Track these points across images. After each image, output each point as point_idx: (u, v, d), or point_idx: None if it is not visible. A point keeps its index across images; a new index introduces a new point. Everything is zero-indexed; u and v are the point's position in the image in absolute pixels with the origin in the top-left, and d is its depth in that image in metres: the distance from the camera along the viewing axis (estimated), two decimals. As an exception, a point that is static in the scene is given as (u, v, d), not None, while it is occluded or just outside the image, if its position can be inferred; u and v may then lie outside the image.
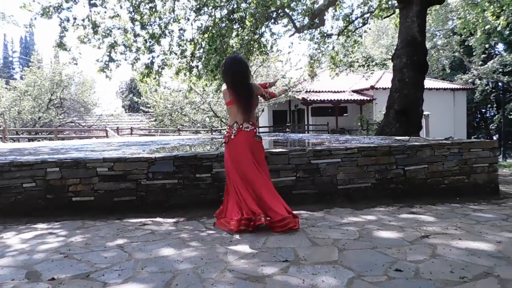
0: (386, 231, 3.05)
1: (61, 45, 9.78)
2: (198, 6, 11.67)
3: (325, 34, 14.49)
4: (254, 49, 13.46)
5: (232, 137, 3.31)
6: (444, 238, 2.83)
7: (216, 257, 2.47)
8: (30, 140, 16.89)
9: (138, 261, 2.40)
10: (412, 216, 3.60)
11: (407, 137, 6.50)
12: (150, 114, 26.60)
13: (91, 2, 9.69)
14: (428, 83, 18.87)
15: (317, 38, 14.43)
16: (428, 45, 23.47)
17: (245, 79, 3.37)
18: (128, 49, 11.24)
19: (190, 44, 12.24)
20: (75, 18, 9.81)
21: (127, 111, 34.87)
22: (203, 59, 12.82)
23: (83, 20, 9.96)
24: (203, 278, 2.10)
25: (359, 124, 17.75)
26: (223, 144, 3.53)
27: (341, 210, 3.91)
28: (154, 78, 12.18)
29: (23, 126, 20.27)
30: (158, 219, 3.69)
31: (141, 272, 2.18)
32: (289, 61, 21.64)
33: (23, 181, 4.01)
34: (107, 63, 10.96)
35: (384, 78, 20.44)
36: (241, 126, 3.30)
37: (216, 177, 4.24)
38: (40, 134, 18.58)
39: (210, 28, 12.17)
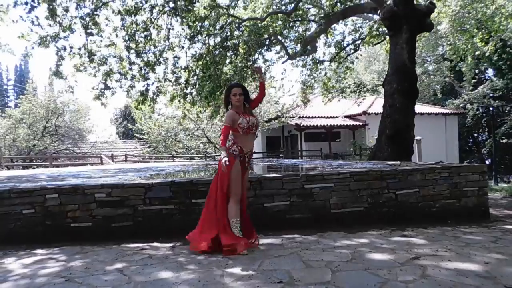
0: (378, 253, 3.18)
1: (57, 74, 10.03)
2: (192, 34, 12.05)
3: (317, 61, 14.95)
4: (248, 76, 13.82)
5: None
6: (434, 260, 2.96)
7: (213, 279, 2.57)
8: (25, 167, 16.87)
9: (138, 283, 2.50)
10: (403, 239, 3.73)
11: (398, 162, 6.70)
12: (144, 141, 26.72)
13: (88, 31, 10.01)
14: (420, 108, 19.34)
15: (309, 65, 14.87)
16: (419, 70, 24.20)
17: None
18: (123, 76, 11.51)
19: (185, 71, 12.57)
20: (71, 47, 10.10)
21: (121, 138, 34.98)
22: (197, 86, 13.13)
23: (80, 48, 10.25)
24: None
25: (351, 149, 18.00)
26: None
27: (335, 234, 4.03)
28: (149, 105, 12.42)
29: (18, 153, 20.27)
30: (155, 244, 3.78)
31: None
32: (282, 87, 22.13)
33: (23, 207, 4.09)
34: (102, 90, 11.19)
35: (376, 104, 20.90)
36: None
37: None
38: (35, 161, 18.57)
39: (204, 55, 12.53)
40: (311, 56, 14.61)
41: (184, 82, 12.88)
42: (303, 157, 19.28)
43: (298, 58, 14.33)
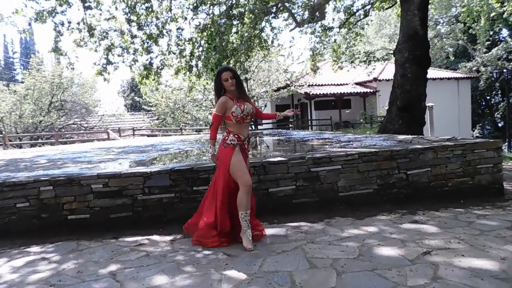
0: (387, 246, 2.97)
1: (56, 50, 9.72)
2: (195, 4, 11.53)
3: (326, 27, 14.30)
4: (255, 45, 13.34)
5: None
6: (446, 255, 2.74)
7: (210, 286, 2.40)
8: (32, 145, 16.92)
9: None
10: (414, 226, 3.51)
11: (410, 137, 6.38)
12: (153, 113, 26.54)
13: (86, 5, 9.60)
14: (432, 73, 18.57)
15: (318, 32, 14.28)
16: (431, 33, 23.15)
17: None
18: (125, 51, 11.16)
19: (189, 43, 12.13)
20: (69, 22, 9.74)
21: (129, 110, 34.85)
22: (203, 58, 12.72)
23: (78, 23, 9.88)
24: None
25: (361, 120, 17.55)
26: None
27: (342, 221, 3.82)
28: (153, 79, 12.11)
29: (25, 130, 20.30)
30: (154, 237, 3.62)
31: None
32: (291, 55, 21.47)
33: (17, 201, 3.95)
34: (104, 66, 10.89)
35: (387, 70, 20.21)
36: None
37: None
38: (41, 139, 18.57)
39: (209, 26, 12.05)
40: (320, 23, 13.97)
41: (189, 55, 12.48)
42: (312, 128, 18.94)
43: (306, 25, 13.74)
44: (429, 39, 9.64)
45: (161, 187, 4.10)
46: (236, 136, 3.28)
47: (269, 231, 3.57)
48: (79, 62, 22.01)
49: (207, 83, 15.70)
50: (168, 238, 3.57)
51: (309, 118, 20.96)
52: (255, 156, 5.47)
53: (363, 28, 14.91)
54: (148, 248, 3.27)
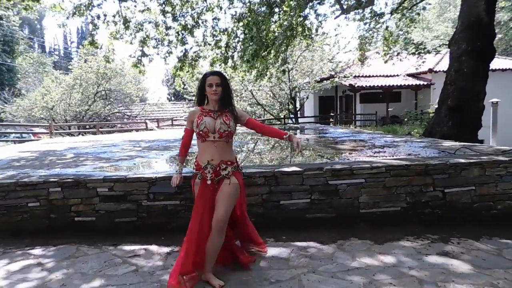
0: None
1: (93, 43, 10.03)
2: (232, -8, 11.37)
3: (377, 14, 13.54)
4: (297, 33, 12.96)
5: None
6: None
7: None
8: (79, 134, 17.91)
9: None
10: (442, 260, 3.09)
11: (457, 144, 5.80)
12: (193, 103, 26.96)
13: (121, -4, 9.77)
14: (495, 62, 16.85)
15: (367, 18, 13.57)
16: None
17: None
18: (160, 42, 11.28)
19: (224, 34, 12.02)
20: (105, 15, 9.97)
21: (172, 99, 35.74)
22: (239, 49, 12.59)
23: (114, 16, 10.09)
24: None
25: (407, 117, 16.51)
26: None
27: (357, 244, 3.49)
28: (188, 71, 12.17)
29: (73, 117, 21.57)
30: (153, 247, 3.54)
31: None
32: (337, 44, 20.74)
33: (28, 200, 4.04)
34: (140, 58, 11.10)
35: (445, 60, 18.80)
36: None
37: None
38: (85, 128, 19.61)
39: (246, 15, 11.85)
40: (369, 8, 13.25)
41: (225, 46, 12.39)
42: (355, 123, 18.20)
43: (353, 12, 13.11)
44: (495, 31, 8.55)
45: (165, 194, 4.00)
46: (196, 162, 2.93)
47: (272, 250, 3.35)
48: (121, 53, 22.78)
49: (244, 74, 15.58)
50: (166, 249, 3.47)
51: (354, 112, 20.17)
52: (271, 161, 5.25)
53: (419, 14, 13.93)
54: (140, 262, 3.18)
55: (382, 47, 15.87)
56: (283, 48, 13.00)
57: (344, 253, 3.28)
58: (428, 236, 3.66)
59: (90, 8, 9.60)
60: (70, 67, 24.11)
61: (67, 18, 9.53)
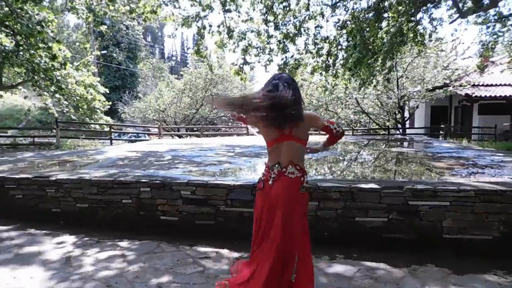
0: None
1: (198, 52, 10.95)
2: (334, 1, 11.34)
3: (503, 16, 12.20)
4: (408, 39, 12.35)
5: (270, 182, 2.49)
6: None
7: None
8: (188, 136, 19.64)
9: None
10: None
11: None
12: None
13: (226, 8, 10.49)
14: None
15: (491, 21, 12.31)
16: None
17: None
18: (261, 51, 11.78)
19: (326, 42, 12.03)
20: (210, 25, 10.81)
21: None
22: (341, 57, 12.49)
23: (218, 26, 10.88)
24: None
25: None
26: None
27: (433, 271, 3.28)
28: (287, 79, 12.46)
29: (183, 119, 23.76)
30: (224, 250, 3.81)
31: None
32: (454, 50, 19.06)
33: (123, 197, 4.68)
34: (241, 66, 11.75)
35: None
36: (284, 169, 2.48)
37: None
38: (190, 130, 21.40)
39: (349, 22, 11.72)
40: (494, 10, 11.99)
41: (326, 53, 12.39)
42: (471, 138, 16.43)
43: (473, 15, 12.00)
44: None
45: (242, 201, 4.25)
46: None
47: (338, 267, 3.36)
48: (228, 60, 24.28)
49: (348, 82, 15.31)
50: (236, 254, 3.69)
51: (470, 125, 18.23)
52: (351, 174, 5.13)
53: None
54: (208, 264, 3.46)
55: (509, 53, 14.18)
56: (391, 55, 12.48)
57: (414, 279, 3.12)
58: (524, 273, 3.24)
59: (197, 20, 10.51)
60: (181, 73, 26.51)
61: (176, 29, 10.60)
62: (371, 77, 13.21)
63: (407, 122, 22.55)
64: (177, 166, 6.05)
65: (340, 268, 3.35)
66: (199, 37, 10.87)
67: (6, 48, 12.18)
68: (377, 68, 12.68)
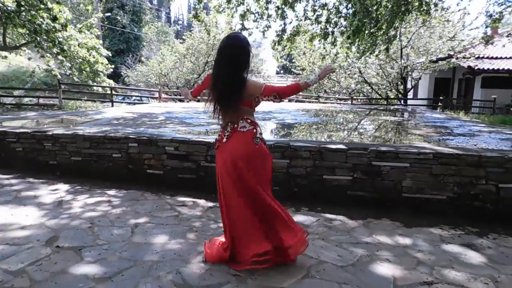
0: (391, 264, 2.80)
1: (196, 17, 11.07)
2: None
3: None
4: (413, 8, 12.30)
5: (225, 140, 2.69)
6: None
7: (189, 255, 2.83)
8: (188, 100, 19.90)
9: (128, 244, 2.97)
10: (459, 250, 3.10)
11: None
12: (300, 77, 27.34)
13: (222, -30, 10.50)
14: None
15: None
16: None
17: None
18: (260, 16, 11.84)
19: (324, 9, 12.04)
20: (209, -13, 10.85)
21: (281, 72, 36.57)
22: (339, 24, 12.50)
23: (217, -11, 10.92)
24: (151, 274, 2.52)
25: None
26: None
27: (385, 224, 3.66)
28: (285, 46, 12.57)
29: (184, 84, 23.96)
30: (201, 201, 4.21)
31: (115, 255, 2.74)
32: (461, 20, 18.83)
33: (113, 152, 5.08)
34: (239, 31, 11.84)
35: None
36: (235, 125, 2.66)
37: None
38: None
39: (349, -12, 11.68)
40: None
41: (325, 21, 12.41)
42: (470, 110, 16.55)
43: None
44: None
45: (220, 158, 4.62)
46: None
47: (300, 217, 3.73)
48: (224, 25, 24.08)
49: (348, 51, 15.35)
50: (211, 204, 4.10)
51: (472, 97, 18.29)
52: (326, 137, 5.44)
53: None
54: (184, 210, 3.88)
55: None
56: (396, 24, 12.48)
57: (365, 229, 3.50)
58: (466, 228, 3.63)
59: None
60: (184, 37, 26.45)
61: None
62: (374, 46, 13.24)
63: (410, 93, 22.57)
64: (167, 125, 6.42)
65: (301, 218, 3.74)
66: (197, 1, 10.95)
67: (8, 8, 12.38)
68: (380, 37, 12.69)
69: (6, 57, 17.11)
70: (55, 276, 2.44)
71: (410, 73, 20.73)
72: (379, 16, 11.99)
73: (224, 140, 2.69)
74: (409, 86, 22.08)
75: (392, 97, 21.97)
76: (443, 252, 3.06)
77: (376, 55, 15.55)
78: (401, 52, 19.33)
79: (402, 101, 21.22)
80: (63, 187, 4.64)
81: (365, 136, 6.04)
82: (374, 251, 3.02)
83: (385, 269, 2.72)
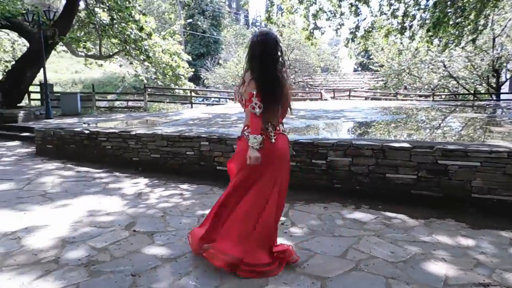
0: (446, 263, 2.75)
1: (269, 19, 11.38)
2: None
3: None
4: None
5: (273, 141, 2.64)
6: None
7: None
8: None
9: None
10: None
11: None
12: (379, 74, 26.43)
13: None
14: None
15: None
16: None
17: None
18: (332, 15, 11.81)
19: (401, 2, 11.60)
20: (281, -9, 11.10)
21: (359, 69, 35.57)
22: (418, 17, 11.98)
23: (289, -9, 11.13)
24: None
25: None
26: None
27: (448, 225, 3.55)
28: (359, 43, 12.36)
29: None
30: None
31: (181, 241, 3.09)
32: None
33: (187, 150, 5.56)
34: (312, 31, 11.94)
35: None
36: (277, 128, 2.71)
37: (330, 165, 4.57)
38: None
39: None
40: None
41: (402, 15, 11.96)
42: None
43: None
44: None
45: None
46: None
47: (358, 214, 3.80)
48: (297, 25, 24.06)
49: (429, 44, 14.55)
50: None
51: None
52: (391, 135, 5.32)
53: None
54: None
55: None
56: (487, 12, 11.65)
57: (425, 229, 3.44)
58: (543, 234, 3.38)
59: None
60: (259, 38, 26.99)
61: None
62: (460, 38, 12.47)
63: (505, 87, 20.65)
64: (238, 125, 6.77)
65: (360, 215, 3.79)
66: (270, 3, 11.25)
67: (104, 22, 13.90)
68: (467, 27, 11.92)
69: (101, 65, 19.11)
70: (130, 254, 2.86)
71: (504, 64, 18.97)
72: (466, 4, 11.26)
73: (273, 140, 2.64)
74: (503, 79, 20.21)
75: (482, 91, 20.27)
76: (510, 256, 2.92)
77: (462, 47, 14.56)
78: (493, 42, 17.78)
79: (494, 96, 19.50)
80: (143, 180, 5.20)
81: (433, 134, 5.79)
82: (431, 250, 2.98)
83: (438, 267, 2.69)
